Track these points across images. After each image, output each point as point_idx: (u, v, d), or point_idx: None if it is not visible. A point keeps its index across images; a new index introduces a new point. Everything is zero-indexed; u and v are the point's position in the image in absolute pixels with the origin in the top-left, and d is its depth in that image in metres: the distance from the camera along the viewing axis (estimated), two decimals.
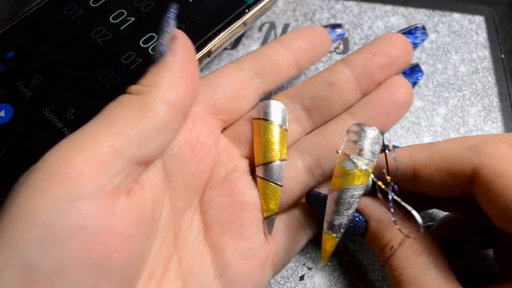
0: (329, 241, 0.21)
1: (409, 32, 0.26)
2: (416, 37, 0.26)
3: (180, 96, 0.19)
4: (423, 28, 0.26)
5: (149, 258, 0.19)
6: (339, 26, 0.28)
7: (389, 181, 0.21)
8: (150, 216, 0.19)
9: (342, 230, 0.21)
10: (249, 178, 0.24)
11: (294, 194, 0.24)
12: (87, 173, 0.16)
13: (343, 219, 0.21)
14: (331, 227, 0.21)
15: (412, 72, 0.26)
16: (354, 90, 0.25)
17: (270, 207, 0.23)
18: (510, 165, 0.18)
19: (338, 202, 0.21)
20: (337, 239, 0.21)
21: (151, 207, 0.19)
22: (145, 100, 0.18)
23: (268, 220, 0.23)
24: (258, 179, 0.23)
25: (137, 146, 0.17)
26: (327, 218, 0.21)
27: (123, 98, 0.18)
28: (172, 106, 0.18)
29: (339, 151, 0.21)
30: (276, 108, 0.24)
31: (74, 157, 0.16)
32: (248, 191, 0.23)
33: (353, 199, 0.21)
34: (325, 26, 0.27)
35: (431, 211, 0.27)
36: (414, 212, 0.19)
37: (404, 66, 0.25)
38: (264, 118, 0.23)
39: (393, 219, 0.20)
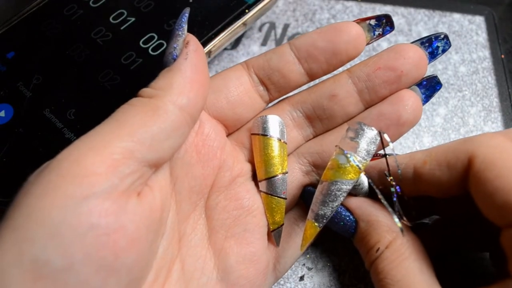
0: (311, 230, 0.21)
1: (429, 41, 0.23)
2: (437, 47, 0.23)
3: (191, 100, 0.19)
4: (446, 37, 0.23)
5: (154, 261, 0.19)
6: (386, 19, 0.23)
7: (390, 180, 0.21)
8: (158, 218, 0.19)
9: (324, 221, 0.21)
10: (253, 183, 0.24)
11: (293, 197, 0.25)
12: (99, 173, 0.16)
13: (327, 210, 0.21)
14: (315, 216, 0.21)
15: (429, 84, 0.23)
16: (356, 103, 0.24)
17: (276, 220, 0.23)
18: (503, 154, 0.18)
19: (326, 193, 0.21)
20: (319, 228, 0.21)
21: (160, 209, 0.19)
22: (157, 104, 0.18)
23: (275, 233, 0.24)
24: (262, 194, 0.24)
25: (148, 148, 0.17)
26: (313, 207, 0.21)
27: (135, 101, 0.19)
28: (183, 110, 0.18)
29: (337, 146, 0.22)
30: (274, 122, 0.24)
31: (87, 157, 0.16)
32: (253, 196, 0.23)
33: (340, 192, 0.21)
34: (366, 19, 0.23)
35: None
36: (395, 218, 0.20)
37: (414, 81, 0.23)
38: (263, 134, 0.23)
39: (396, 219, 0.20)
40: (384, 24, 0.23)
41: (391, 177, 0.21)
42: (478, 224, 0.23)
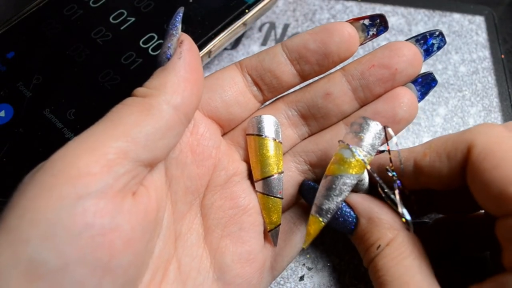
0: (315, 225, 0.21)
1: (424, 38, 0.23)
2: (432, 44, 0.23)
3: (185, 100, 0.19)
4: (441, 34, 0.23)
5: (150, 261, 0.19)
6: (380, 18, 0.23)
7: (391, 173, 0.21)
8: (154, 218, 0.19)
9: (329, 216, 0.21)
10: (249, 182, 0.24)
11: (289, 197, 0.25)
12: (94, 173, 0.16)
13: (331, 205, 0.21)
14: (319, 210, 0.21)
15: (424, 81, 0.23)
16: (351, 101, 0.24)
17: (273, 220, 0.23)
18: (501, 145, 0.18)
19: (330, 187, 0.21)
20: (323, 223, 0.21)
21: (155, 209, 0.19)
22: (151, 103, 0.18)
23: (273, 233, 0.24)
24: (259, 194, 0.24)
25: (143, 148, 0.17)
26: (316, 201, 0.21)
27: (129, 101, 0.19)
28: (177, 110, 0.18)
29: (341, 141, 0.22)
30: (269, 122, 0.23)
31: (82, 157, 0.16)
32: (248, 195, 0.23)
33: (345, 186, 0.21)
34: (360, 19, 0.23)
35: None
36: (404, 210, 0.20)
37: (409, 79, 0.23)
38: (258, 134, 0.23)
39: (405, 211, 0.20)
40: (378, 24, 0.23)
41: (394, 173, 0.21)
42: (478, 224, 0.23)
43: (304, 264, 0.27)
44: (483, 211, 0.23)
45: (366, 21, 0.23)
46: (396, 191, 0.20)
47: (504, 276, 0.17)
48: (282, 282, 0.26)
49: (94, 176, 0.16)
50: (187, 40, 0.20)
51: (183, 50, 0.20)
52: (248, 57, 0.24)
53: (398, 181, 0.21)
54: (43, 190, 0.15)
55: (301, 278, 0.26)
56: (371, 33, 0.23)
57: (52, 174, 0.16)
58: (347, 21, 0.23)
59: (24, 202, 0.15)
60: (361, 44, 0.23)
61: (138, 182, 0.18)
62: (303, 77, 0.24)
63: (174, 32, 0.20)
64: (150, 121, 0.18)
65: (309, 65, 0.23)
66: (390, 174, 0.21)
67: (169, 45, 0.20)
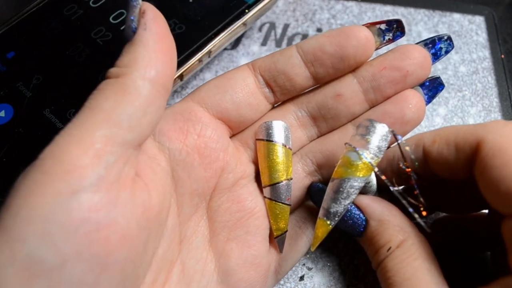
0: (322, 228, 0.21)
1: (432, 42, 0.23)
2: (440, 48, 0.23)
3: (160, 71, 0.18)
4: (449, 38, 0.24)
5: (153, 262, 0.19)
6: (397, 24, 0.23)
7: (404, 167, 0.21)
8: (154, 218, 0.18)
9: (336, 219, 0.21)
10: (256, 185, 0.24)
11: (295, 199, 0.25)
12: (85, 165, 0.15)
13: (339, 208, 0.21)
14: (327, 214, 0.21)
15: (431, 85, 0.24)
16: (361, 103, 0.24)
17: (280, 226, 0.23)
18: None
19: (337, 190, 0.21)
20: (330, 226, 0.21)
21: (156, 209, 0.19)
22: (125, 82, 0.17)
23: (279, 239, 0.24)
24: (266, 200, 0.23)
25: (128, 130, 0.17)
26: (324, 204, 0.21)
27: (103, 85, 0.18)
28: (154, 83, 0.18)
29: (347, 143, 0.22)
30: (279, 128, 0.23)
31: (70, 151, 0.16)
32: (255, 198, 0.23)
33: (352, 189, 0.21)
34: (376, 23, 0.23)
35: None
36: (415, 215, 0.20)
37: (419, 81, 0.23)
38: (268, 139, 0.23)
39: (412, 211, 0.20)
40: (395, 29, 0.23)
41: (407, 167, 0.21)
42: (479, 224, 0.23)
43: (304, 264, 0.27)
44: (484, 211, 0.23)
45: (383, 26, 0.23)
46: (415, 185, 0.21)
47: (509, 278, 0.17)
48: (282, 282, 0.26)
49: (85, 169, 0.15)
50: (150, 8, 0.19)
51: (147, 20, 0.19)
52: (261, 58, 0.24)
53: (413, 174, 0.21)
54: (36, 187, 0.15)
55: (301, 278, 0.26)
56: (387, 38, 0.23)
57: (44, 172, 0.15)
58: (363, 25, 0.23)
59: (18, 201, 0.15)
60: (377, 48, 0.23)
61: (133, 166, 0.18)
62: (317, 80, 0.24)
63: (134, 3, 0.19)
64: (128, 101, 0.17)
65: (323, 68, 0.23)
66: (403, 167, 0.21)
67: (132, 17, 0.19)
